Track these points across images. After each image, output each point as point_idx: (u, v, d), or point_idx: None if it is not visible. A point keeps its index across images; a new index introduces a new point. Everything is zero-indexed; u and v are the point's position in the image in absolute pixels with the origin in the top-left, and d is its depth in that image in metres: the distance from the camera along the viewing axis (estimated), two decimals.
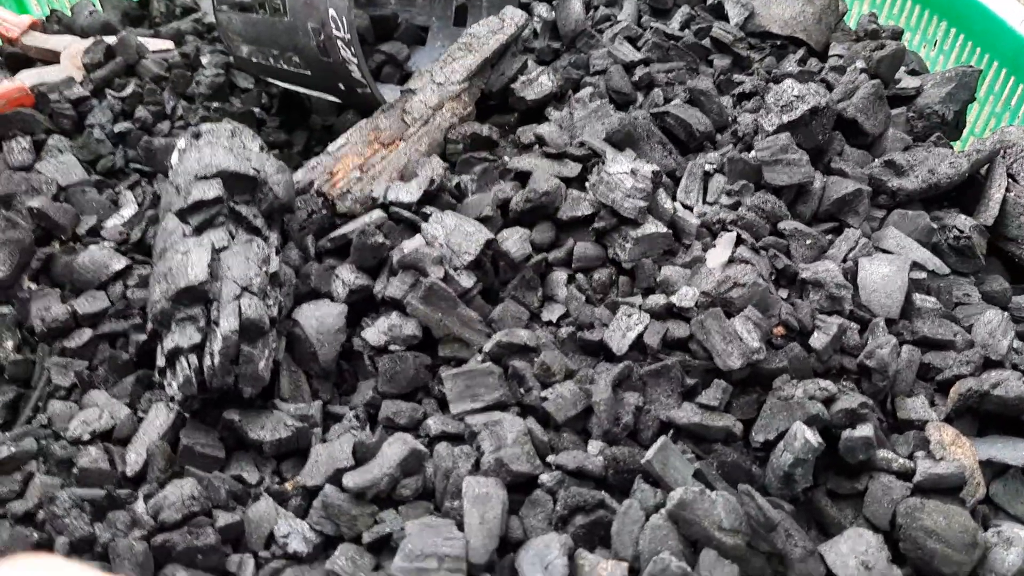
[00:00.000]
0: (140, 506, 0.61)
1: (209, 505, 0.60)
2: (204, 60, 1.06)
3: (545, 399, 0.65)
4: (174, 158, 0.78)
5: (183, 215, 0.70)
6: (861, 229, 0.79)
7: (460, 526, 0.57)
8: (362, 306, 0.74)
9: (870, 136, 0.86)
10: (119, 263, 0.80)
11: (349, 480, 0.60)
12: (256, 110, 1.04)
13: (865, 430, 0.64)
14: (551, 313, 0.73)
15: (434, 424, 0.65)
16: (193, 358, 0.64)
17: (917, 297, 0.74)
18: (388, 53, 1.08)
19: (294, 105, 1.06)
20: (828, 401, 0.65)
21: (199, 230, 0.70)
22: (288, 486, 0.64)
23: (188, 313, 0.65)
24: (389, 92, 0.96)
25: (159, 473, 0.64)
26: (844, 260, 0.76)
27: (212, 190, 0.70)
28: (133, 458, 0.65)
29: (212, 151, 0.73)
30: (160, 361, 0.66)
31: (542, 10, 1.06)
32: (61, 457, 0.66)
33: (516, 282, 0.73)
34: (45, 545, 0.60)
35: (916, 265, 0.76)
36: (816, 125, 0.82)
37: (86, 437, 0.68)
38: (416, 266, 0.71)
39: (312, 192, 0.82)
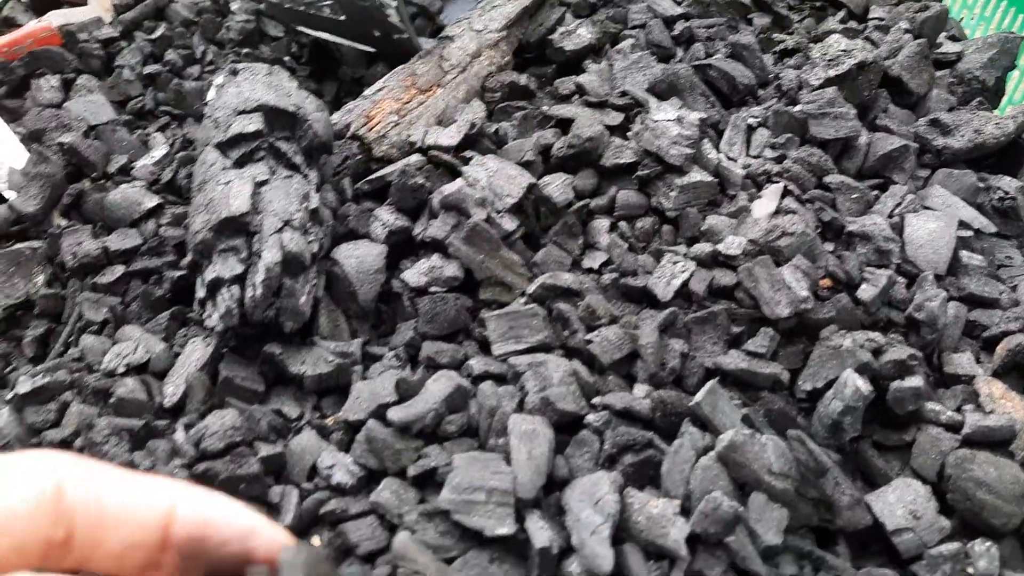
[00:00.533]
0: (180, 436, 0.60)
1: (251, 436, 0.60)
2: (234, 6, 1.05)
3: (590, 341, 0.64)
4: (211, 93, 0.77)
5: (223, 148, 0.69)
6: (907, 186, 0.78)
7: (507, 461, 0.57)
8: (400, 248, 0.73)
9: (915, 95, 0.85)
10: (151, 201, 0.79)
11: (394, 415, 0.59)
12: (286, 59, 1.02)
13: (914, 381, 0.63)
14: (593, 260, 0.72)
15: (477, 364, 0.64)
16: (235, 289, 0.63)
17: (964, 254, 0.73)
18: (420, 5, 1.07)
19: (324, 55, 1.05)
20: (876, 352, 0.64)
21: (239, 163, 0.68)
22: (329, 421, 0.63)
23: (230, 244, 0.64)
24: (423, 43, 0.95)
25: (198, 405, 0.63)
26: (890, 216, 0.75)
27: (252, 124, 0.69)
28: (171, 390, 0.64)
29: (252, 86, 0.72)
30: (200, 292, 0.65)
31: None
32: (97, 388, 0.65)
33: (558, 228, 0.72)
34: None
35: (962, 223, 0.75)
36: (862, 80, 0.80)
37: (121, 369, 0.67)
38: (459, 207, 0.70)
39: (348, 136, 0.81)
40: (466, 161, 0.75)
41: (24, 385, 0.66)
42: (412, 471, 0.58)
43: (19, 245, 0.77)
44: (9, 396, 0.66)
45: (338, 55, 1.05)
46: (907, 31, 0.89)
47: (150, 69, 0.95)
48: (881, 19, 0.96)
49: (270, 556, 0.30)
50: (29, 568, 0.26)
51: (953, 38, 1.00)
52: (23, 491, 0.27)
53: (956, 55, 0.94)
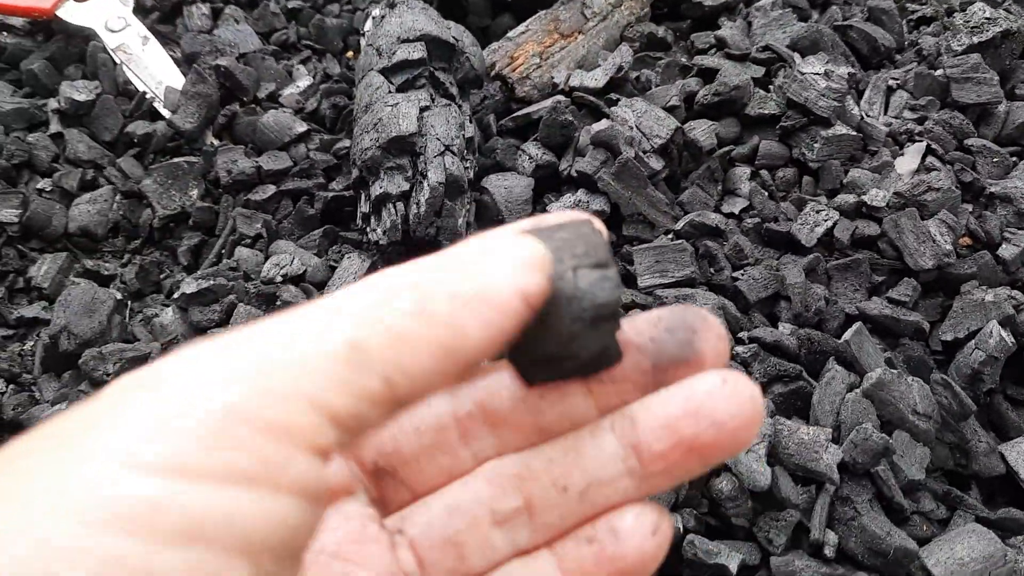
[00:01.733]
0: None
1: None
2: None
3: (736, 279, 0.66)
4: (368, 24, 0.80)
5: (386, 73, 0.72)
6: None
7: None
8: (545, 182, 0.75)
9: None
10: (301, 126, 0.82)
11: None
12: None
13: None
14: (733, 206, 0.74)
15: (623, 295, 0.66)
16: (400, 205, 0.66)
17: None
18: None
19: (452, 3, 1.07)
20: (1017, 308, 0.66)
21: (402, 89, 0.71)
22: None
23: (397, 162, 0.67)
24: None
25: None
26: None
27: (416, 52, 0.72)
28: None
29: (414, 16, 0.75)
30: (364, 207, 0.68)
31: None
32: (263, 292, 0.68)
33: (700, 172, 0.74)
34: None
35: None
36: (1005, 49, 0.81)
37: (279, 279, 0.70)
38: (608, 143, 0.72)
39: (492, 75, 0.83)
40: (611, 103, 0.77)
41: (190, 286, 0.69)
42: None
43: (176, 160, 0.81)
44: (176, 295, 0.70)
45: (466, 3, 1.07)
46: None
47: (294, 3, 0.98)
48: None
49: None
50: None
51: None
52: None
53: None
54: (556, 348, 0.28)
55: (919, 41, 0.86)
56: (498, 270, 0.25)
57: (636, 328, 0.30)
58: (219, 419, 0.21)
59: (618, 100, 0.76)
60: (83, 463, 0.20)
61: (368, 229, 0.67)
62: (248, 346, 0.22)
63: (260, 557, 0.21)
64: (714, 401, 0.28)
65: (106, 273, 0.77)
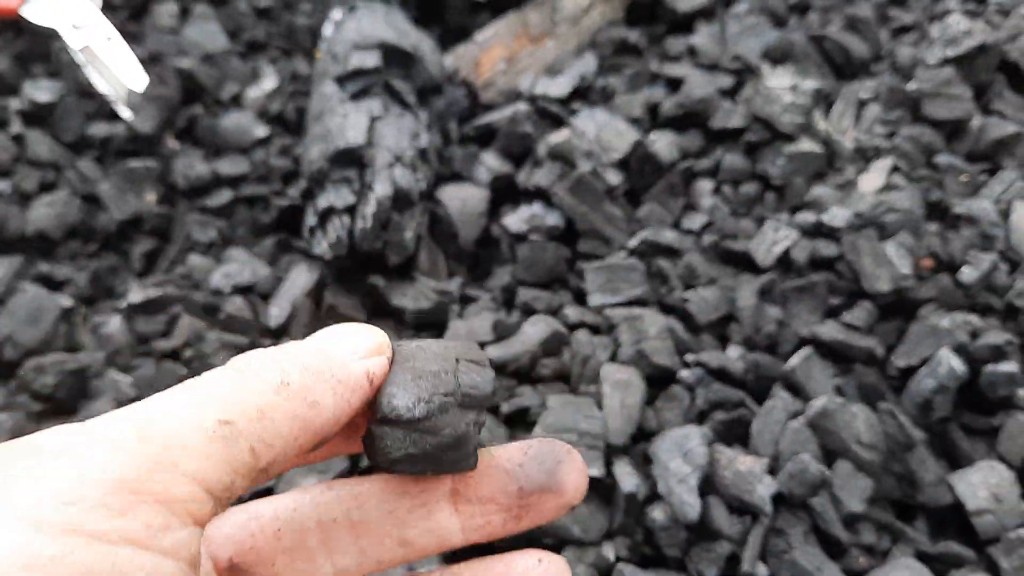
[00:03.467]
0: None
1: None
2: None
3: (687, 300, 0.65)
4: (327, 28, 0.78)
5: (340, 81, 0.71)
6: (1017, 173, 0.76)
7: (599, 407, 0.58)
8: (502, 194, 0.74)
9: None
10: (262, 131, 0.81)
11: (491, 352, 0.61)
12: (393, 0, 1.04)
13: (1009, 366, 0.62)
14: (693, 222, 0.73)
15: (572, 313, 0.65)
16: (346, 218, 0.65)
17: None
18: None
19: (430, 1, 1.06)
20: (973, 335, 0.64)
21: (356, 97, 0.70)
22: None
23: (344, 175, 0.66)
24: None
25: (302, 328, 0.65)
26: (997, 201, 0.73)
27: (371, 59, 0.71)
28: (276, 312, 0.67)
29: (372, 23, 0.74)
30: (311, 220, 0.67)
31: None
32: (206, 303, 0.67)
33: (661, 186, 0.73)
34: None
35: None
36: (981, 63, 0.79)
37: (228, 289, 0.70)
38: (566, 157, 0.70)
39: (456, 80, 0.82)
40: (573, 112, 0.75)
41: (137, 295, 0.69)
42: (505, 408, 0.60)
43: (133, 163, 0.80)
44: (122, 305, 0.69)
45: (444, 1, 1.06)
46: None
47: (264, 2, 0.97)
48: (1002, 2, 0.94)
49: None
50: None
51: None
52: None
53: None
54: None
55: (896, 51, 0.84)
56: (346, 351, 0.30)
57: (507, 453, 0.33)
58: (110, 488, 0.23)
59: (579, 110, 0.75)
60: None
61: (314, 242, 0.67)
62: (129, 422, 0.25)
63: None
64: None
65: (60, 278, 0.76)
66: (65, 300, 0.71)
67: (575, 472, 0.33)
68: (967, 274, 0.68)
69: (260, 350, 0.29)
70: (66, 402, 0.63)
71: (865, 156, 0.75)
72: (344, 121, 0.66)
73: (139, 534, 0.23)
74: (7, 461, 0.24)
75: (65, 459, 0.24)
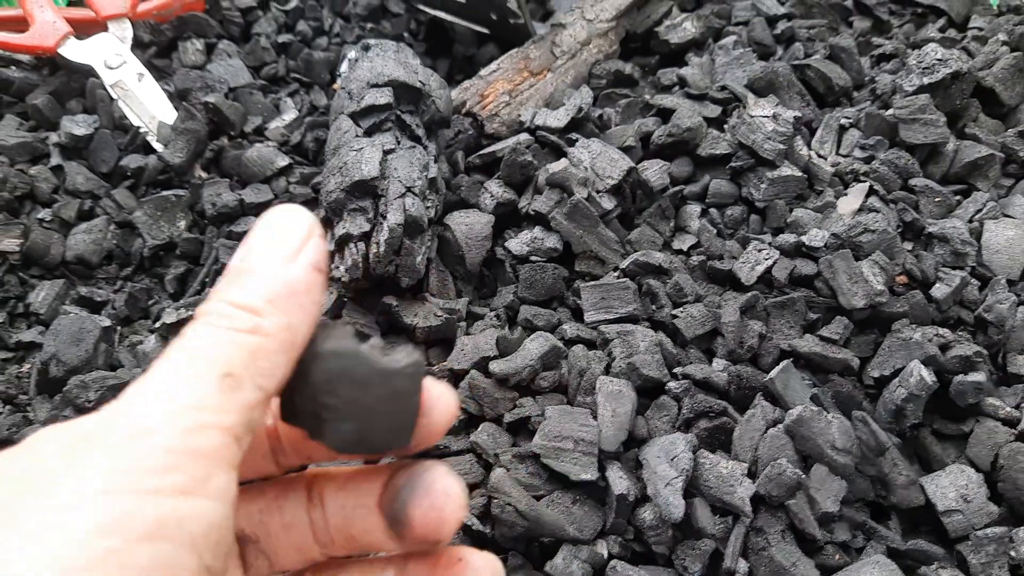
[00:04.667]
0: None
1: None
2: None
3: (675, 316, 0.70)
4: (343, 67, 0.85)
5: (355, 117, 0.77)
6: (989, 194, 0.81)
7: (594, 416, 0.63)
8: (505, 219, 0.80)
9: (1006, 107, 0.88)
10: (283, 161, 0.87)
11: (495, 367, 0.66)
12: (405, 35, 1.10)
13: (977, 376, 0.67)
14: (682, 243, 0.78)
15: (569, 329, 0.71)
16: (361, 245, 0.70)
17: None
18: None
19: (440, 33, 1.12)
20: (944, 347, 0.69)
21: (369, 132, 0.76)
22: (435, 369, 0.70)
23: (359, 204, 0.71)
24: (535, 27, 1.01)
25: None
26: (970, 221, 0.78)
27: (383, 97, 0.76)
28: None
29: (383, 62, 0.79)
30: (330, 246, 0.73)
31: None
32: None
33: (652, 210, 0.78)
34: None
35: None
36: (955, 89, 0.84)
37: None
38: (563, 185, 0.76)
39: (463, 112, 0.88)
40: (572, 142, 0.81)
41: (170, 316, 0.75)
42: (508, 418, 0.65)
43: (165, 192, 0.87)
44: (157, 325, 0.75)
45: (452, 34, 1.12)
46: (1004, 43, 0.92)
47: (283, 38, 1.03)
48: (980, 29, 0.99)
49: None
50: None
51: None
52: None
53: None
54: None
55: (877, 79, 0.89)
56: (287, 251, 0.33)
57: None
58: (155, 453, 0.28)
59: (577, 140, 0.80)
60: (63, 493, 0.27)
61: (332, 267, 0.72)
62: (155, 403, 0.29)
63: (203, 552, 0.28)
64: None
65: (99, 300, 0.82)
66: (104, 321, 0.77)
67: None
68: (939, 290, 0.73)
69: (213, 293, 0.33)
70: None
71: (844, 180, 0.80)
72: (359, 155, 0.72)
73: (188, 485, 0.28)
74: (68, 444, 0.28)
75: (113, 436, 0.28)
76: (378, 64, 0.79)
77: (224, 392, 0.30)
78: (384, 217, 0.71)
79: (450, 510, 0.35)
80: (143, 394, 0.29)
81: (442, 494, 0.35)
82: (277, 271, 0.32)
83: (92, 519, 0.26)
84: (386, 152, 0.74)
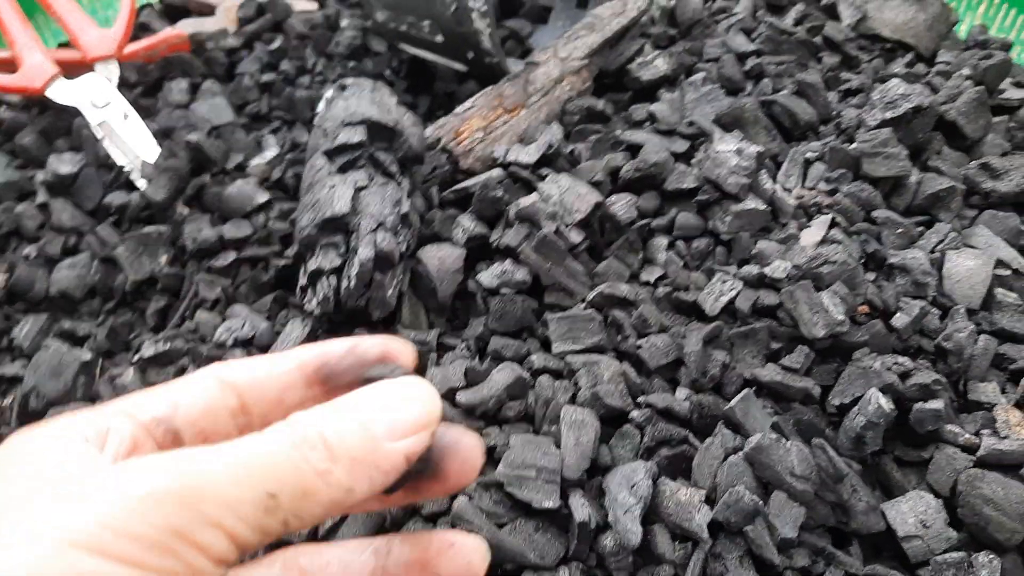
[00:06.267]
0: None
1: None
2: (343, 23, 1.15)
3: (640, 347, 0.72)
4: (321, 105, 0.87)
5: (329, 155, 0.79)
6: (951, 225, 0.83)
7: (557, 445, 0.65)
8: (477, 253, 0.82)
9: (969, 140, 0.90)
10: (262, 197, 0.89)
11: (462, 397, 0.68)
12: (387, 72, 1.12)
13: (936, 404, 0.68)
14: (650, 274, 0.80)
15: (537, 359, 0.72)
16: (332, 279, 0.72)
17: (999, 291, 0.78)
18: (512, 29, 1.16)
19: (420, 71, 1.15)
20: (904, 376, 0.70)
21: (343, 169, 0.78)
22: None
23: (331, 240, 0.73)
24: (512, 65, 1.03)
25: None
26: (932, 251, 0.80)
27: (356, 135, 0.79)
28: None
29: (358, 101, 0.82)
30: (302, 280, 0.75)
31: None
32: (210, 356, 0.75)
33: (620, 243, 0.80)
34: None
35: (1000, 262, 0.80)
36: (918, 123, 0.86)
37: (230, 342, 0.77)
38: (532, 219, 0.78)
39: (438, 149, 0.90)
40: (542, 178, 0.83)
41: (148, 349, 0.76)
42: None
43: (147, 229, 0.89)
44: (135, 359, 0.77)
45: (433, 71, 1.14)
46: (968, 77, 0.94)
47: (267, 77, 1.06)
48: (948, 63, 1.01)
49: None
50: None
51: (1019, 84, 1.04)
52: (194, 387, 0.37)
53: (1019, 101, 0.98)
54: None
55: (842, 113, 0.92)
56: (389, 428, 0.33)
57: None
58: (159, 527, 0.28)
59: (547, 175, 0.82)
60: (29, 543, 0.26)
61: (304, 300, 0.74)
62: (188, 473, 0.29)
63: None
64: None
65: (81, 334, 0.84)
66: (85, 354, 0.79)
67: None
68: (899, 319, 0.74)
69: (316, 415, 0.33)
70: None
71: (808, 212, 0.82)
72: (332, 192, 0.74)
73: (178, 571, 0.28)
74: (46, 471, 0.29)
75: (111, 487, 0.28)
76: (352, 103, 0.81)
77: (260, 510, 0.30)
78: (355, 252, 0.72)
79: (476, 458, 0.41)
80: (183, 460, 0.30)
81: (469, 448, 0.40)
82: (376, 440, 0.33)
83: (31, 566, 0.26)
84: (358, 189, 0.76)
